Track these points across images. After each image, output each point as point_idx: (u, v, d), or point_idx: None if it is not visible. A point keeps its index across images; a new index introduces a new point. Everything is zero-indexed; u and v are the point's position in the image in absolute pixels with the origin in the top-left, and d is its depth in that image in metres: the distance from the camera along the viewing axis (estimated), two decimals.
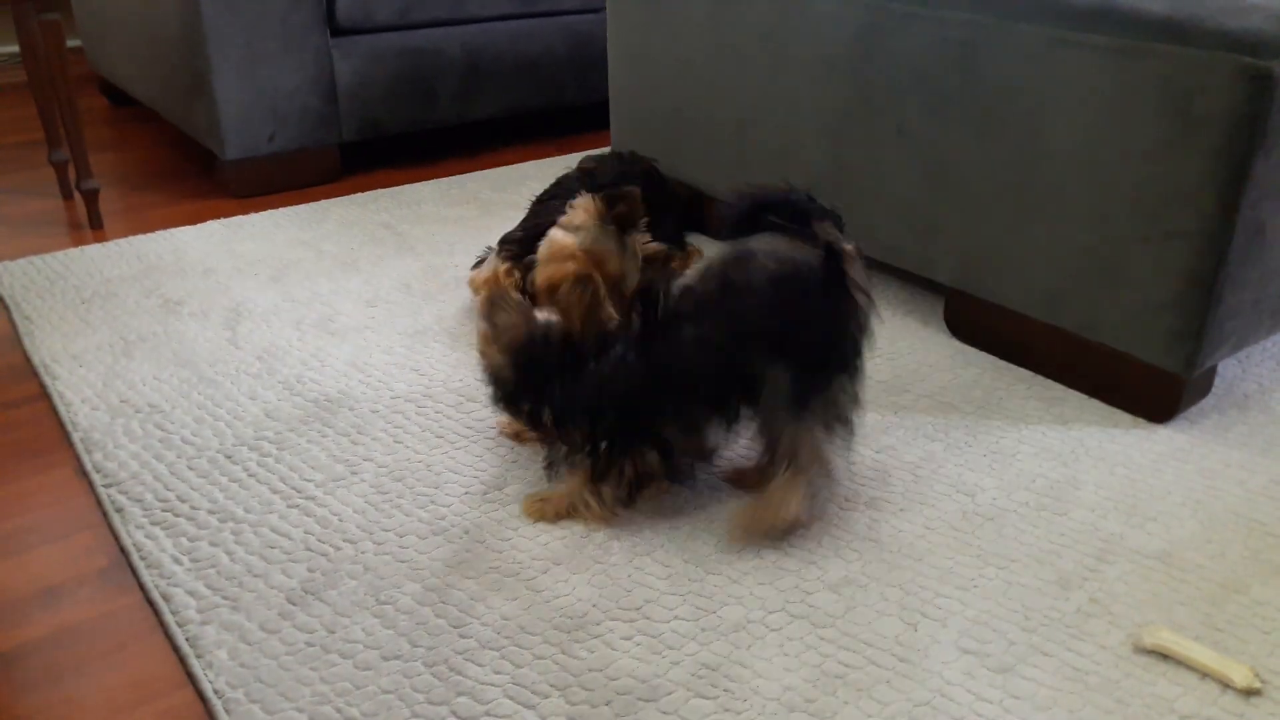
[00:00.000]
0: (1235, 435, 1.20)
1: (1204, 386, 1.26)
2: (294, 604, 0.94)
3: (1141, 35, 1.11)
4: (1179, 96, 1.09)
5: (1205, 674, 0.85)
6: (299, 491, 1.10)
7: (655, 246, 1.41)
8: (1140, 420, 1.23)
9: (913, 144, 1.38)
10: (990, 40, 1.25)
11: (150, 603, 0.95)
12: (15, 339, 1.46)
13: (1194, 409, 1.25)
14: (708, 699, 0.83)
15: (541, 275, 1.25)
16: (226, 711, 0.82)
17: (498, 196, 2.02)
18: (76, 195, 2.01)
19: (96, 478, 1.12)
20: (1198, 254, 1.12)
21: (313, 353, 1.40)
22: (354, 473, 1.13)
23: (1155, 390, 1.22)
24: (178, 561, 0.99)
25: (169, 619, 0.92)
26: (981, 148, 1.30)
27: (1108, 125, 1.16)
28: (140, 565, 0.99)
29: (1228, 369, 1.34)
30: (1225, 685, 0.84)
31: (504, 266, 1.42)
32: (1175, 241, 1.13)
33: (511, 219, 1.89)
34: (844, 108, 1.46)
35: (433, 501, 1.08)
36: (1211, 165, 1.08)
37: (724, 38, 1.63)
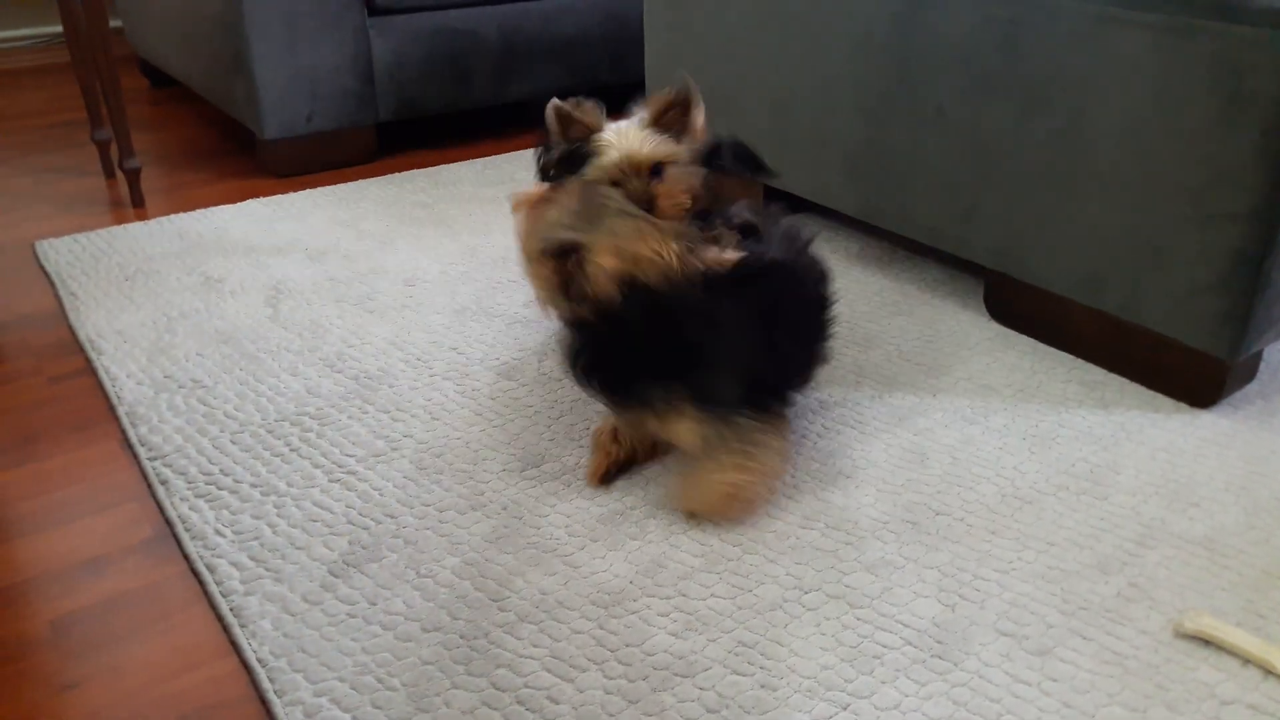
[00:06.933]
0: None
1: (1249, 371, 1.24)
2: (335, 576, 0.95)
3: (1190, 12, 1.09)
4: (1228, 75, 1.07)
5: (1247, 660, 0.84)
6: (340, 466, 1.11)
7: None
8: (1183, 405, 1.21)
9: (953, 124, 1.37)
10: (1034, 18, 1.23)
11: (194, 573, 0.97)
12: (61, 314, 1.48)
13: (1238, 394, 1.23)
14: (744, 676, 0.83)
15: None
16: (270, 680, 0.84)
17: (533, 178, 2.02)
18: (119, 174, 2.04)
19: (141, 450, 1.14)
20: (1245, 236, 1.10)
21: (353, 330, 1.41)
22: (394, 449, 1.14)
23: (1199, 375, 1.20)
24: (221, 534, 1.01)
25: (213, 589, 0.94)
26: (1024, 128, 1.28)
27: (1154, 104, 1.14)
28: (184, 536, 1.01)
29: (1274, 354, 1.32)
30: (1267, 672, 0.83)
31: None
32: (1222, 223, 1.11)
33: None
34: (883, 87, 1.45)
35: (471, 478, 1.09)
36: (1261, 145, 1.06)
37: (761, 17, 1.62)
